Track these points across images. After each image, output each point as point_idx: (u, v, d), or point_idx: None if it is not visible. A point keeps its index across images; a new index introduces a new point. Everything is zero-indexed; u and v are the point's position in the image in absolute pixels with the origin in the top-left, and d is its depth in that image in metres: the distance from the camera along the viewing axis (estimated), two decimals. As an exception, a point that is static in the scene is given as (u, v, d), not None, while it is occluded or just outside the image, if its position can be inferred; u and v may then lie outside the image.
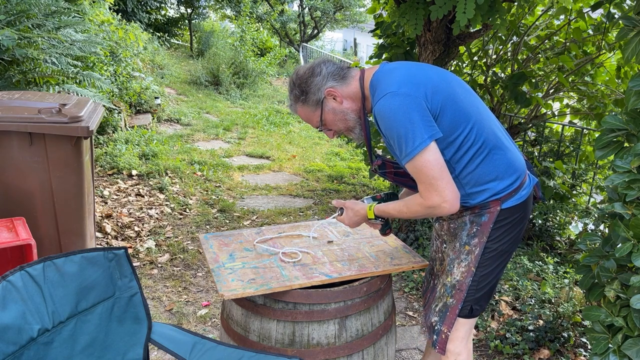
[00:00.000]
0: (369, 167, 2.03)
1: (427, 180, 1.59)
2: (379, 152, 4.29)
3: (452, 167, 1.68)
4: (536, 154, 4.02)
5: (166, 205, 4.46)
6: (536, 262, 3.41)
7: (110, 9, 7.72)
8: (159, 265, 3.49)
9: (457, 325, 1.80)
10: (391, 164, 1.93)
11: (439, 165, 1.59)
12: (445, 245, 1.90)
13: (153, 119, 7.09)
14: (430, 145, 1.57)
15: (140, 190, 4.65)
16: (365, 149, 4.59)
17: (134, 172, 4.98)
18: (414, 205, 1.68)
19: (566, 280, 3.12)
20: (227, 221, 4.26)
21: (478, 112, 1.70)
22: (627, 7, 3.00)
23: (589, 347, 2.59)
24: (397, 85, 1.61)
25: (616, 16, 3.00)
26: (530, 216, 3.79)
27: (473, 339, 2.80)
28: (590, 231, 3.23)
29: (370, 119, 1.84)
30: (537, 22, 3.76)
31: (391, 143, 1.65)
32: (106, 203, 4.30)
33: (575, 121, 4.23)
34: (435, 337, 1.82)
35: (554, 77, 3.78)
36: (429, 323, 1.87)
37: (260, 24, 15.26)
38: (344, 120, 1.76)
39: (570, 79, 3.66)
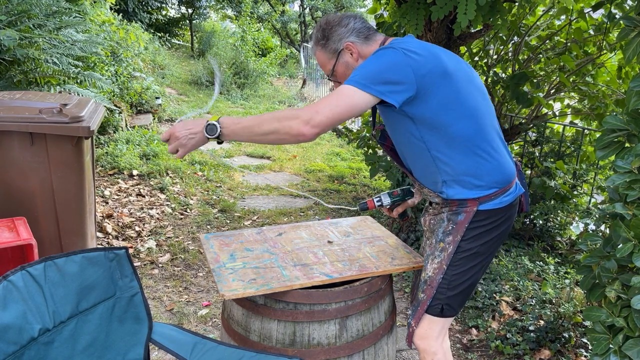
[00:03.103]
0: (372, 135, 2.04)
1: (328, 98, 1.53)
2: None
3: (437, 149, 1.66)
4: (537, 154, 4.02)
5: (167, 205, 4.46)
6: (537, 262, 3.40)
7: (111, 9, 7.73)
8: (160, 265, 3.49)
9: (428, 323, 1.77)
10: (390, 139, 1.93)
11: (346, 107, 1.51)
12: (428, 240, 1.89)
13: (154, 119, 7.10)
14: (363, 92, 1.52)
15: (141, 190, 4.66)
16: (365, 147, 4.59)
17: (134, 172, 4.98)
18: (280, 115, 1.52)
19: (567, 281, 3.11)
20: (228, 221, 4.26)
21: (478, 109, 1.67)
22: (628, 8, 2.99)
23: (590, 347, 2.59)
24: (403, 45, 1.60)
25: (617, 16, 3.00)
26: (531, 216, 3.79)
27: (473, 340, 2.79)
28: (591, 231, 3.22)
29: None
30: (538, 23, 3.76)
31: None
32: (107, 203, 4.30)
33: (576, 121, 4.23)
34: (408, 330, 1.81)
35: (555, 77, 3.77)
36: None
37: (261, 24, 15.25)
38: None
39: (571, 79, 3.66)
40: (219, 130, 1.54)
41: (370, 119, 4.58)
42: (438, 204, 1.81)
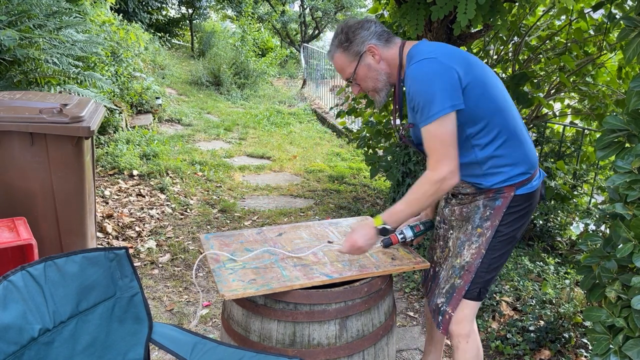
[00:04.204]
0: (395, 134, 2.08)
1: (438, 147, 1.64)
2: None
3: (471, 143, 1.75)
4: (537, 154, 4.02)
5: (167, 205, 4.46)
6: (537, 262, 3.40)
7: (111, 9, 7.73)
8: (160, 265, 3.49)
9: (463, 307, 1.86)
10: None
11: (453, 135, 1.64)
12: (452, 231, 1.96)
13: (154, 119, 7.10)
14: (450, 115, 1.63)
15: (141, 191, 4.66)
16: (365, 147, 4.59)
17: (134, 172, 4.98)
18: (421, 186, 1.69)
19: (567, 281, 3.11)
20: (228, 221, 4.27)
21: (505, 99, 1.77)
22: (628, 8, 2.99)
23: (590, 347, 2.59)
24: (434, 54, 1.67)
25: (617, 16, 3.00)
26: (532, 216, 3.79)
27: (474, 340, 2.80)
28: (591, 232, 3.22)
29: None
30: (538, 23, 3.76)
31: (415, 106, 1.69)
32: (107, 203, 4.30)
33: (576, 121, 4.23)
34: (440, 318, 1.89)
35: (555, 78, 3.77)
36: (434, 306, 1.92)
37: (261, 24, 15.25)
38: (374, 79, 1.81)
39: (571, 79, 3.66)
40: (389, 229, 1.78)
41: (371, 118, 4.58)
42: (468, 194, 1.88)
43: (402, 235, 1.99)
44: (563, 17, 3.67)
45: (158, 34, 12.96)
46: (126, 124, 6.23)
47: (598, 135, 1.90)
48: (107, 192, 4.46)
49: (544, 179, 1.94)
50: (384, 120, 4.55)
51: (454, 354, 1.96)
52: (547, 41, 3.78)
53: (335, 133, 7.85)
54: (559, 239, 3.88)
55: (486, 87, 1.72)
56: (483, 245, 1.82)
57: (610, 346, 1.68)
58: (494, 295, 3.04)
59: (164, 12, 14.10)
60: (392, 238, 1.98)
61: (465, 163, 1.78)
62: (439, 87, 1.62)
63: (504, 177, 1.78)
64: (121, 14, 9.62)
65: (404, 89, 1.85)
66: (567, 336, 2.66)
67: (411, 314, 3.06)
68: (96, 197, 3.82)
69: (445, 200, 2.01)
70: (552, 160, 3.86)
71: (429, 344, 2.33)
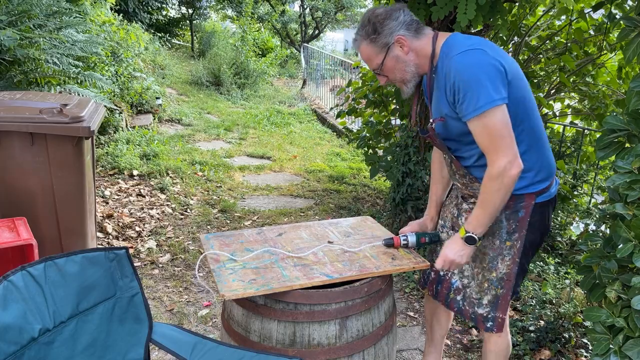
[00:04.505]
0: (417, 127, 2.05)
1: (493, 139, 1.59)
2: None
3: None
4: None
5: (167, 205, 4.46)
6: (537, 262, 3.40)
7: (111, 9, 7.72)
8: (160, 265, 3.49)
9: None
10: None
11: (504, 125, 1.59)
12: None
13: (154, 119, 7.10)
14: (501, 106, 1.58)
15: (141, 191, 4.66)
16: (365, 147, 4.59)
17: (135, 172, 4.98)
18: (485, 185, 1.65)
19: (567, 281, 3.11)
20: (228, 221, 4.27)
21: (532, 102, 1.74)
22: (628, 8, 3.00)
23: (590, 347, 2.59)
24: (479, 45, 1.63)
25: (617, 17, 3.00)
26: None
27: (474, 340, 2.80)
28: (591, 232, 3.22)
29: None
30: (538, 23, 3.76)
31: (459, 98, 1.63)
32: (107, 203, 4.30)
33: (576, 122, 4.23)
34: (490, 323, 1.91)
35: (555, 78, 3.77)
36: (473, 315, 1.94)
37: (261, 24, 15.26)
38: (402, 70, 1.76)
39: (571, 80, 3.66)
40: (477, 237, 1.73)
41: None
42: None
43: (405, 240, 1.98)
44: (563, 17, 3.67)
45: (158, 34, 12.96)
46: (126, 124, 6.23)
47: (598, 135, 1.89)
48: (107, 192, 4.46)
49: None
50: (384, 121, 4.55)
51: (484, 345, 2.01)
52: (547, 41, 3.78)
53: (335, 133, 7.85)
54: (559, 239, 3.88)
55: (522, 86, 1.68)
56: (516, 254, 1.83)
57: (611, 346, 1.68)
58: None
59: (164, 12, 14.10)
60: (394, 239, 1.98)
61: (484, 163, 1.72)
62: (488, 78, 1.57)
63: (525, 182, 1.75)
64: (121, 14, 9.61)
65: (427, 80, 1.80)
66: (567, 336, 2.66)
67: (411, 314, 3.06)
68: (96, 197, 3.83)
69: (457, 207, 1.99)
70: (552, 160, 3.86)
71: (429, 345, 2.33)
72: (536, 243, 1.89)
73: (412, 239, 1.98)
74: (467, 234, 1.73)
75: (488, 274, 1.89)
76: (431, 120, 1.84)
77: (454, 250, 1.77)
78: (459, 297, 1.99)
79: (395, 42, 1.71)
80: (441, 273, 2.06)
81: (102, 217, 3.98)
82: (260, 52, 12.95)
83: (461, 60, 1.61)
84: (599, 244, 1.85)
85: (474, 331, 2.85)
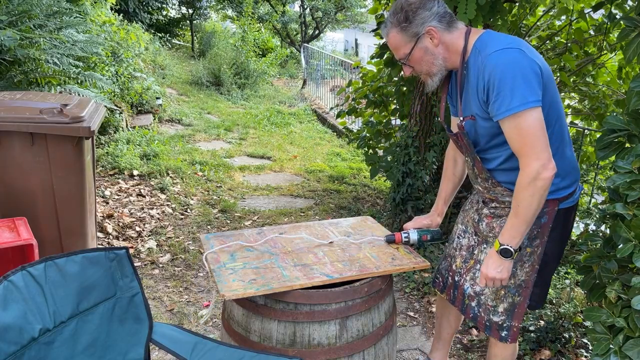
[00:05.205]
0: (444, 125, 1.99)
1: (525, 141, 1.54)
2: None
3: None
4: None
5: (167, 205, 4.46)
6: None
7: (111, 9, 7.72)
8: (160, 265, 3.49)
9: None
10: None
11: (537, 128, 1.54)
12: (485, 245, 1.89)
13: (154, 119, 7.10)
14: (538, 108, 1.54)
15: (142, 191, 4.66)
16: (365, 147, 4.59)
17: (135, 172, 4.98)
18: (518, 192, 1.59)
19: (567, 281, 3.11)
20: (228, 221, 4.27)
21: (561, 105, 1.70)
22: (628, 8, 2.99)
23: (590, 348, 2.59)
24: (516, 44, 1.59)
25: (617, 17, 3.00)
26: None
27: (474, 340, 2.79)
28: (591, 232, 3.22)
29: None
30: (538, 23, 3.75)
31: (493, 97, 1.58)
32: (107, 203, 4.30)
33: (576, 122, 4.23)
34: (505, 333, 1.89)
35: (555, 77, 3.77)
36: (488, 322, 1.90)
37: (261, 24, 15.26)
38: (430, 63, 1.71)
39: (571, 79, 3.66)
40: (512, 249, 1.66)
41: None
42: (506, 202, 1.80)
43: (406, 237, 1.98)
44: (563, 17, 3.67)
45: (158, 34, 12.96)
46: (126, 124, 6.23)
47: (598, 135, 1.89)
48: (107, 192, 4.46)
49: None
50: (384, 121, 4.55)
51: (490, 348, 1.99)
52: (548, 41, 3.78)
53: (335, 133, 7.85)
54: (559, 239, 3.88)
55: (554, 90, 1.65)
56: (536, 261, 1.80)
57: (611, 346, 1.68)
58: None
59: (164, 13, 14.11)
60: (395, 236, 1.98)
61: (513, 168, 1.68)
62: (524, 78, 1.52)
63: (552, 187, 1.67)
64: (121, 14, 9.62)
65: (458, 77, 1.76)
66: (567, 336, 2.66)
67: (411, 314, 3.06)
68: (96, 197, 3.83)
69: (477, 212, 1.94)
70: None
71: (437, 341, 2.33)
72: (558, 251, 1.85)
73: (413, 236, 1.98)
74: (502, 247, 1.66)
75: (509, 279, 1.84)
76: (461, 119, 1.78)
77: (492, 267, 1.70)
78: (473, 304, 1.95)
79: (426, 33, 1.66)
80: (456, 278, 2.02)
81: (103, 217, 3.99)
82: (260, 52, 12.94)
83: (497, 58, 1.56)
84: (599, 244, 1.85)
85: (474, 331, 2.85)
